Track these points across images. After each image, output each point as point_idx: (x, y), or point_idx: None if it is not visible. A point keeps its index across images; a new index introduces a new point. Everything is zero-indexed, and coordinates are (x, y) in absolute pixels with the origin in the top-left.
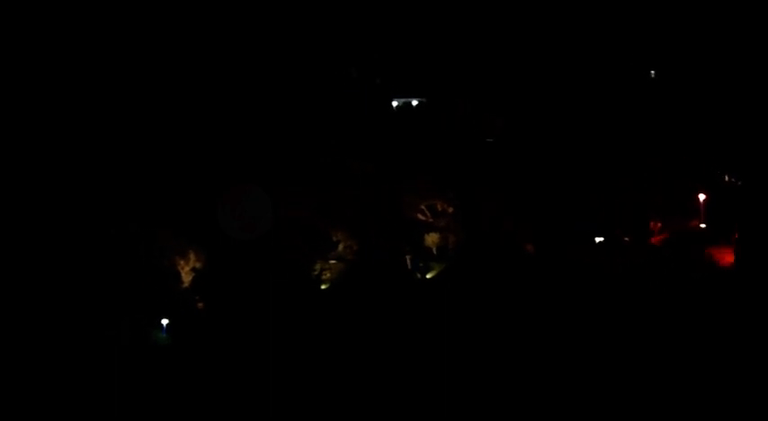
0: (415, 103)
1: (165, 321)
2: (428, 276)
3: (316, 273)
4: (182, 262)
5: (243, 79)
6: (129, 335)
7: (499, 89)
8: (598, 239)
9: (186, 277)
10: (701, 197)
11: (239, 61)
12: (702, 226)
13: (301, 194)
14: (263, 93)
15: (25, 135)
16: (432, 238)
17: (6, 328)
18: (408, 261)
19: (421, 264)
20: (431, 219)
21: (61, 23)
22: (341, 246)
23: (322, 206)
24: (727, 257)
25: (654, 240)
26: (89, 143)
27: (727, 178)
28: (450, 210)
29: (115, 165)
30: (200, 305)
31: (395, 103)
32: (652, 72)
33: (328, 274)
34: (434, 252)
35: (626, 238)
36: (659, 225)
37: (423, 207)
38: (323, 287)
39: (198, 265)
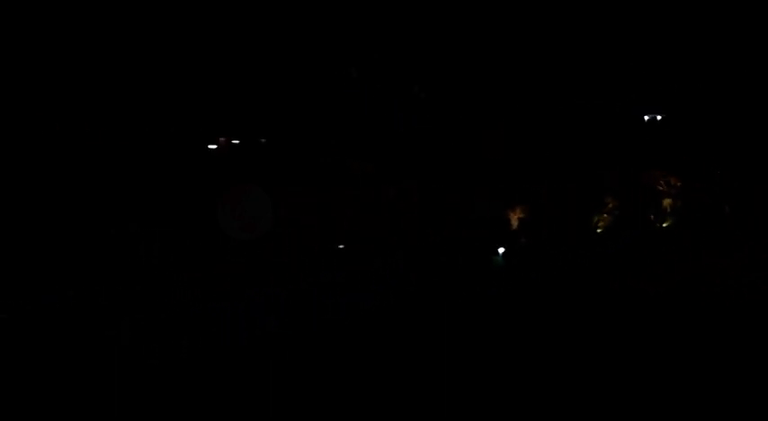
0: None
1: (501, 249)
2: (664, 225)
3: (594, 222)
4: (511, 213)
5: (245, 79)
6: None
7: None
8: None
9: (514, 222)
10: None
11: (241, 61)
12: None
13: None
14: (265, 93)
15: (33, 136)
16: (667, 202)
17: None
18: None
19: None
20: (666, 189)
21: (60, 23)
22: (610, 205)
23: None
24: None
25: None
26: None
27: None
28: (679, 183)
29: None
30: (522, 240)
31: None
32: None
33: (602, 223)
34: (668, 211)
35: None
36: None
37: (661, 181)
38: (598, 231)
39: (522, 216)
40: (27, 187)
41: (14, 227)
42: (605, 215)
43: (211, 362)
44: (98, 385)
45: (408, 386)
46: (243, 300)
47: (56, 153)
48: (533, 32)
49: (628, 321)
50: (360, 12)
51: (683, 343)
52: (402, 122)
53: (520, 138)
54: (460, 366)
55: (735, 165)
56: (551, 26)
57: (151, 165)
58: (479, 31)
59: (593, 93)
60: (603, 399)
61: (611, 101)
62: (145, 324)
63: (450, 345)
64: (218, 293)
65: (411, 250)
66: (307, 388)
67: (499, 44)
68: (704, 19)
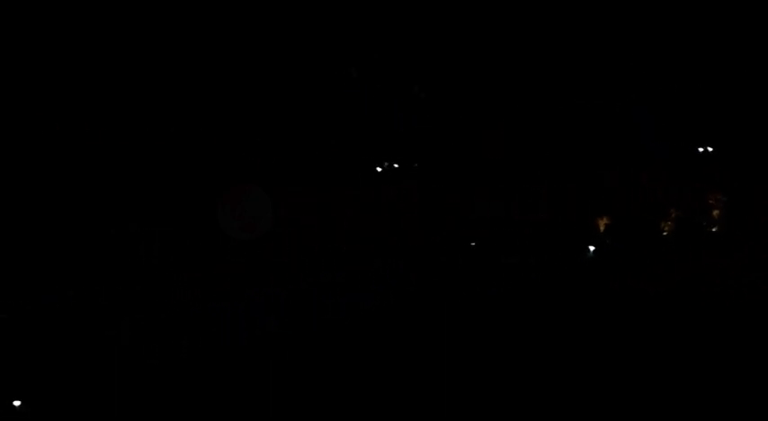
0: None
1: (591, 248)
2: (713, 230)
3: (661, 227)
4: (599, 221)
5: (246, 79)
6: None
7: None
8: None
9: (602, 227)
10: None
11: (242, 61)
12: None
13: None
14: (265, 92)
15: (33, 136)
16: (716, 212)
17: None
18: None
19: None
20: (714, 203)
21: (60, 22)
22: (673, 214)
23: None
24: None
25: None
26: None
27: None
28: (722, 198)
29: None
30: (607, 242)
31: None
32: None
33: (667, 228)
34: (716, 219)
35: None
36: None
37: (710, 197)
38: (664, 234)
39: (608, 222)
40: (27, 187)
41: (14, 227)
42: (669, 222)
43: (211, 362)
44: (98, 384)
45: (408, 385)
46: (243, 300)
47: (56, 153)
48: (534, 33)
49: (627, 322)
50: (360, 12)
51: (683, 343)
52: (402, 122)
53: (520, 138)
54: (460, 366)
55: (735, 165)
56: (552, 27)
57: (151, 166)
58: (480, 32)
59: (593, 93)
60: (602, 398)
61: (611, 101)
62: (145, 324)
63: (449, 345)
64: (218, 293)
65: (411, 250)
66: (306, 387)
67: (499, 44)
68: (703, 19)
